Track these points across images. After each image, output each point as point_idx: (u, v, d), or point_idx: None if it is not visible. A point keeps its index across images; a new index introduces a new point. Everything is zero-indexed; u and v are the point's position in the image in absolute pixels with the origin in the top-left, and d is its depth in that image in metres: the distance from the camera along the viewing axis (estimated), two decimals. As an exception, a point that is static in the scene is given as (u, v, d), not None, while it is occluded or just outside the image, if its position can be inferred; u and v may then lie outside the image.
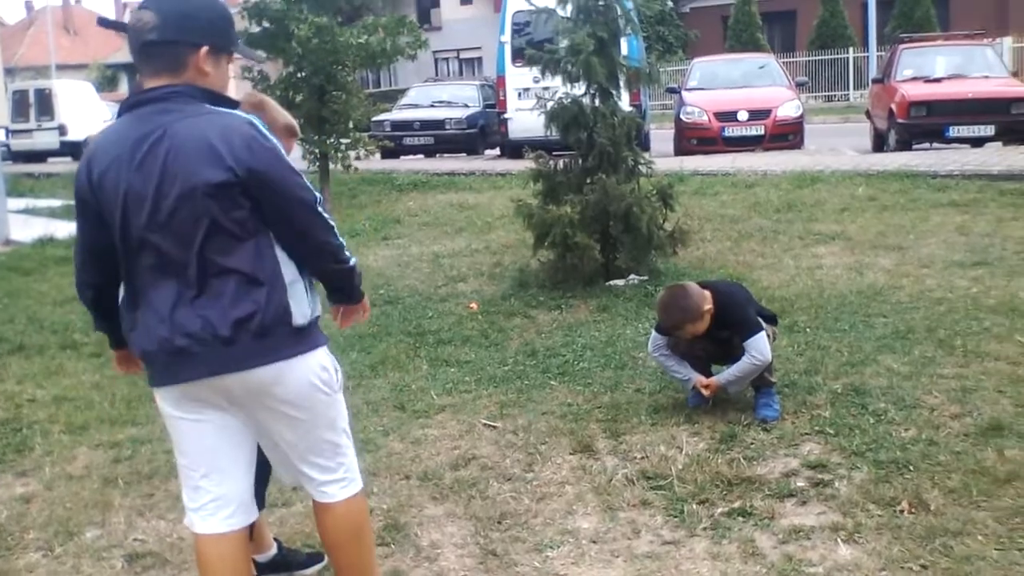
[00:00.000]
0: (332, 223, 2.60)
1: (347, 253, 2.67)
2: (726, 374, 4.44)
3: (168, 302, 2.45)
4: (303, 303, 2.55)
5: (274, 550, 3.29)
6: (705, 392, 4.48)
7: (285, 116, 3.15)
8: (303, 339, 2.55)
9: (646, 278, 6.94)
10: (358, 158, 11.95)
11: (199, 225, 2.40)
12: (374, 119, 16.43)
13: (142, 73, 2.51)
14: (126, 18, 2.56)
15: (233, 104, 2.55)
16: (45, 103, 24.01)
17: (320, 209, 2.54)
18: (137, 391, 5.33)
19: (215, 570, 2.66)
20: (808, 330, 5.61)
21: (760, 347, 4.33)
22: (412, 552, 3.44)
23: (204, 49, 2.48)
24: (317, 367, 2.60)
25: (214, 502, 2.65)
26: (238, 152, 2.40)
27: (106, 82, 47.44)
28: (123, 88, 47.69)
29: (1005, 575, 3.00)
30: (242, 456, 2.68)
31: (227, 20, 2.59)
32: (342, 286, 2.77)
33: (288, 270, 2.52)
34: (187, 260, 2.42)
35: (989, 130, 13.25)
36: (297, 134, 3.26)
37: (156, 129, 2.41)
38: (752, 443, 4.15)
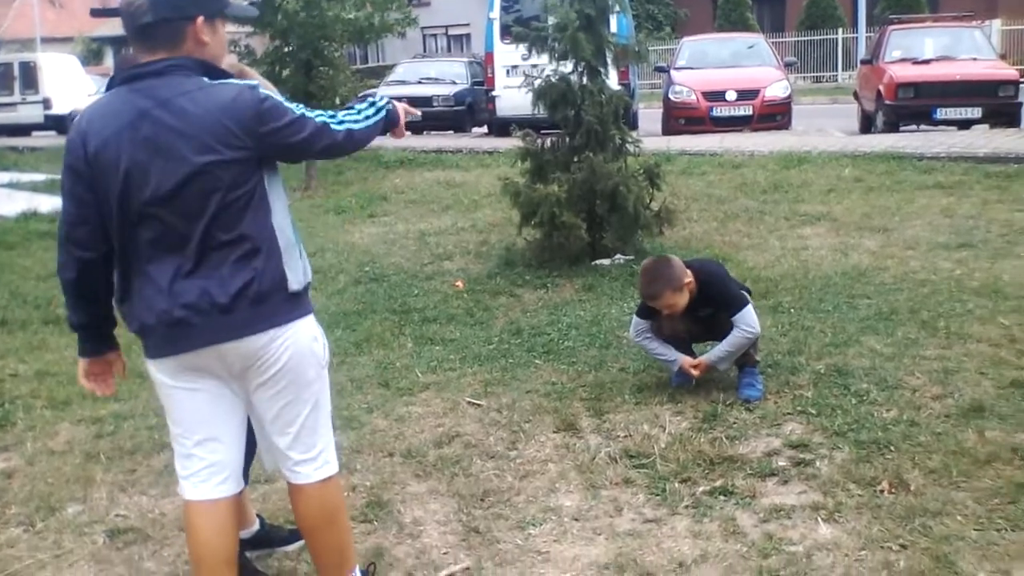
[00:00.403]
0: (353, 126, 2.66)
1: (374, 114, 2.75)
2: (716, 351, 4.44)
3: (167, 275, 2.46)
4: (297, 269, 2.57)
5: (257, 526, 3.29)
6: (694, 373, 4.47)
7: (269, 88, 3.13)
8: (297, 305, 2.58)
9: (632, 258, 6.94)
10: (345, 134, 11.89)
11: (209, 200, 2.42)
12: (361, 95, 16.36)
13: (138, 51, 2.49)
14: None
15: (227, 76, 2.54)
16: (29, 76, 23.76)
17: (335, 129, 2.60)
18: (120, 367, 5.31)
19: (205, 537, 2.67)
20: (792, 311, 5.63)
21: (749, 320, 4.35)
22: (395, 529, 3.45)
23: (200, 19, 2.48)
24: (309, 335, 2.62)
25: (207, 468, 2.66)
26: (248, 123, 2.42)
27: (91, 55, 46.97)
28: (108, 62, 47.24)
29: (984, 555, 3.02)
30: (235, 425, 2.70)
31: None
32: (386, 131, 2.88)
33: (283, 236, 2.54)
34: (191, 233, 2.44)
35: (976, 112, 13.29)
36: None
37: (159, 103, 2.40)
38: (735, 422, 4.17)
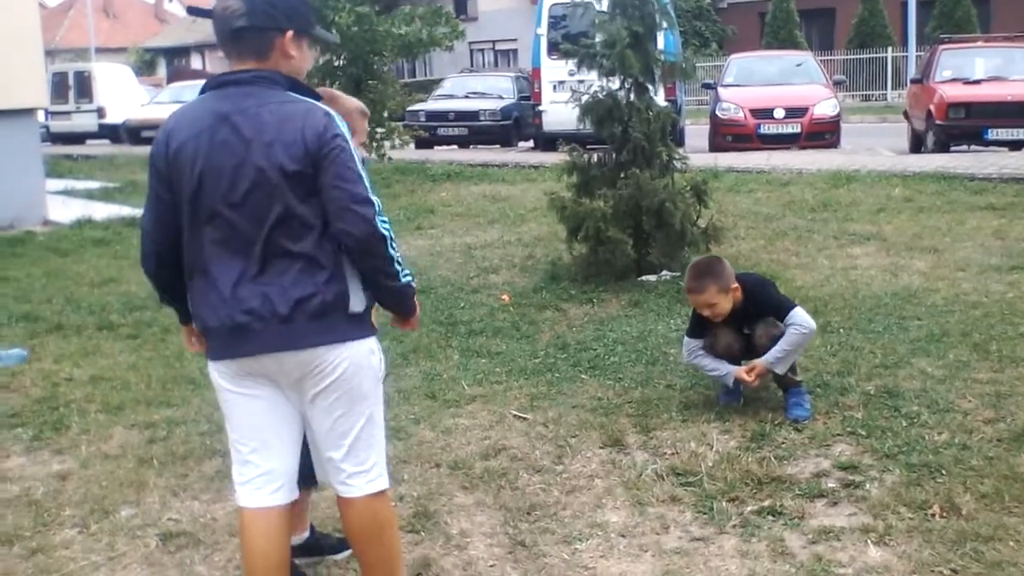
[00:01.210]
0: (387, 234, 2.56)
1: (399, 268, 2.62)
2: (772, 352, 4.33)
3: (231, 278, 2.52)
4: (359, 292, 2.61)
5: (307, 533, 3.33)
6: (749, 378, 4.38)
7: (356, 101, 3.29)
8: (357, 325, 2.63)
9: (678, 274, 6.91)
10: (393, 147, 11.99)
11: (272, 208, 2.48)
12: (409, 109, 16.51)
13: (228, 56, 2.59)
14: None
15: (314, 95, 2.62)
16: (84, 86, 24.28)
17: (378, 217, 2.54)
18: (172, 372, 5.40)
19: (258, 544, 2.70)
20: (841, 331, 5.58)
21: (803, 319, 4.34)
22: (442, 540, 3.47)
23: (289, 34, 2.57)
24: (367, 351, 2.67)
25: (261, 476, 2.70)
26: (311, 143, 2.47)
27: (144, 66, 47.84)
28: (161, 72, 48.08)
29: (1036, 582, 2.98)
30: (291, 434, 2.74)
31: (307, 3, 2.69)
32: (391, 303, 2.76)
33: (349, 262, 2.58)
34: (255, 238, 2.50)
35: (1029, 133, 13.11)
36: (368, 115, 3.40)
37: (239, 110, 2.49)
38: (783, 442, 4.14)
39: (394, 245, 2.60)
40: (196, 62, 49.41)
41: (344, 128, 2.56)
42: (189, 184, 2.51)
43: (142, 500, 3.90)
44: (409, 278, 2.69)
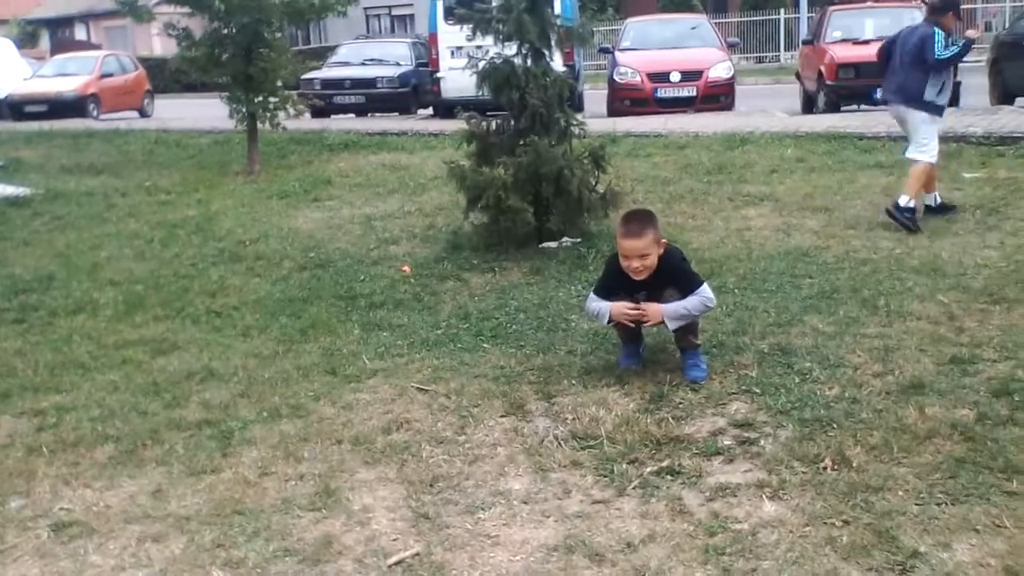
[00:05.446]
0: None
1: None
2: (673, 305, 4.36)
3: None
4: None
5: None
6: (634, 313, 4.38)
7: None
8: None
9: (579, 240, 6.96)
10: (287, 117, 11.75)
11: None
12: (303, 77, 16.20)
13: None
14: None
15: None
16: (-37, 59, 23.18)
17: None
18: (60, 358, 5.22)
19: None
20: (736, 291, 5.69)
21: (710, 293, 4.42)
22: (344, 516, 3.43)
23: None
24: None
25: None
26: None
27: (27, 38, 45.86)
28: (44, 44, 46.14)
29: (925, 529, 3.09)
30: None
31: None
32: None
33: None
34: None
35: (915, 92, 13.48)
36: None
37: None
38: (680, 403, 4.21)
39: None
40: (80, 33, 47.60)
41: None
42: None
43: (32, 490, 3.77)
44: None
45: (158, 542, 3.33)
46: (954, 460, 3.50)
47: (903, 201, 6.95)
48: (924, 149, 7.11)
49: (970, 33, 7.08)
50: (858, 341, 4.77)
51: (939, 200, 7.38)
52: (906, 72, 7.13)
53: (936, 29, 6.92)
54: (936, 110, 7.12)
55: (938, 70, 6.97)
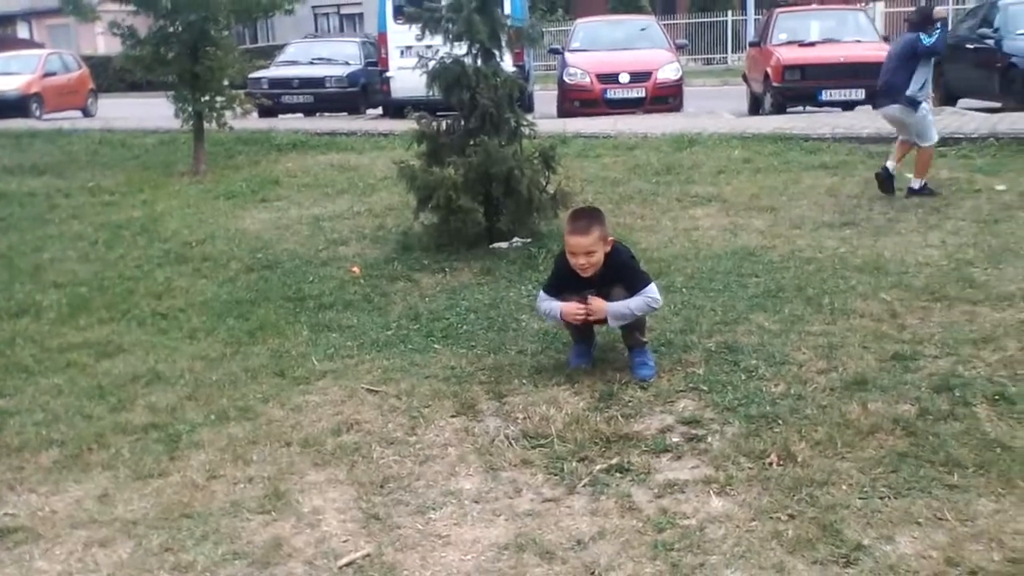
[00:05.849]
0: None
1: None
2: (617, 303, 4.39)
3: None
4: None
5: None
6: (582, 310, 4.39)
7: None
8: None
9: (529, 240, 6.98)
10: (234, 117, 11.63)
11: None
12: (251, 76, 16.06)
13: None
14: None
15: None
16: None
17: None
18: (3, 361, 5.13)
19: None
20: (684, 290, 5.75)
21: (656, 293, 4.45)
22: (294, 519, 3.41)
23: None
24: None
25: None
26: None
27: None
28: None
29: (868, 522, 3.15)
30: None
31: None
32: None
33: None
34: None
35: (860, 93, 13.73)
36: None
37: None
38: (630, 401, 4.25)
39: None
40: (23, 31, 46.68)
41: None
42: None
43: (-27, 497, 3.70)
44: None
45: (105, 547, 3.29)
46: (896, 455, 3.58)
47: (915, 185, 7.92)
48: (927, 136, 7.96)
49: (939, 11, 7.97)
50: (803, 339, 4.85)
51: (893, 173, 8.05)
52: (893, 73, 7.92)
53: (920, 33, 7.77)
54: (916, 104, 7.84)
55: (927, 60, 7.81)
